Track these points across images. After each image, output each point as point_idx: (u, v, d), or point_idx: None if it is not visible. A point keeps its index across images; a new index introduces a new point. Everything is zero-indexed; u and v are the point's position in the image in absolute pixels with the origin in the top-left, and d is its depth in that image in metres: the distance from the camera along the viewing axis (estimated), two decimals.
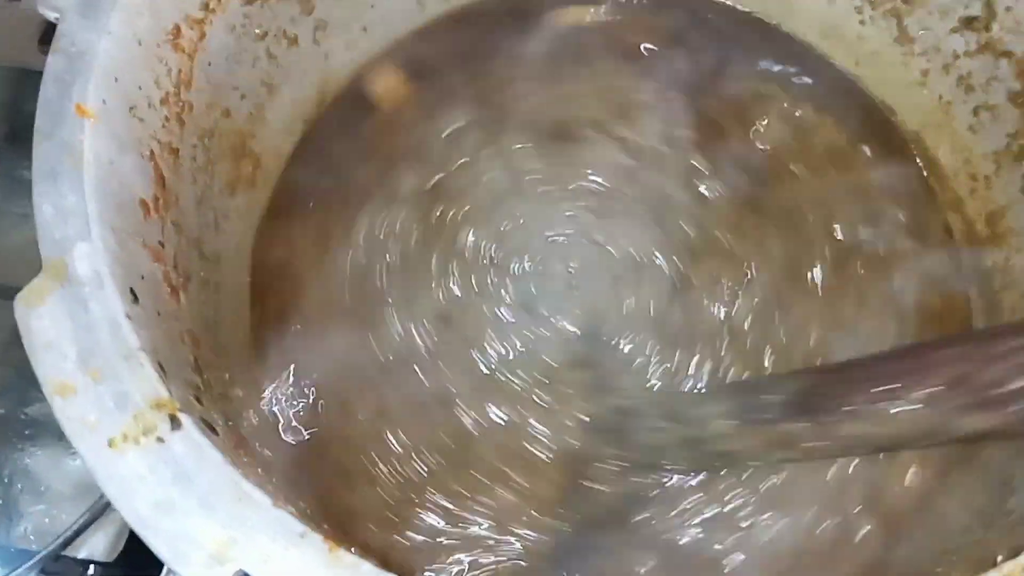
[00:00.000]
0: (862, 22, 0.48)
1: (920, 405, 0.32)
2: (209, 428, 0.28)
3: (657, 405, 0.40)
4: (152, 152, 0.35)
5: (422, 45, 0.49)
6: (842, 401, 0.34)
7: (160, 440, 0.25)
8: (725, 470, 0.39)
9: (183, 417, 0.26)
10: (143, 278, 0.31)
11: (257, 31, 0.42)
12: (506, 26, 0.49)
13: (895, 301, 0.43)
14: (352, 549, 0.23)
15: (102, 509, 0.46)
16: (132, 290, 0.29)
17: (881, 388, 0.33)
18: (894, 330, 0.42)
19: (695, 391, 0.41)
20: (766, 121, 0.47)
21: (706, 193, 0.45)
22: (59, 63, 0.31)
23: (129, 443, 0.25)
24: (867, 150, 0.48)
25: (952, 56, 0.45)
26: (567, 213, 0.44)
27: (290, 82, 0.45)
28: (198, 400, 0.30)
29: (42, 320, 0.27)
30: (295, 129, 0.47)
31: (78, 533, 0.46)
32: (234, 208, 0.43)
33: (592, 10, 0.50)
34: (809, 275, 0.44)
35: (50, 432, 0.53)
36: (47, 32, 0.63)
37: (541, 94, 0.47)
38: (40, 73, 0.60)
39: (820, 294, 0.43)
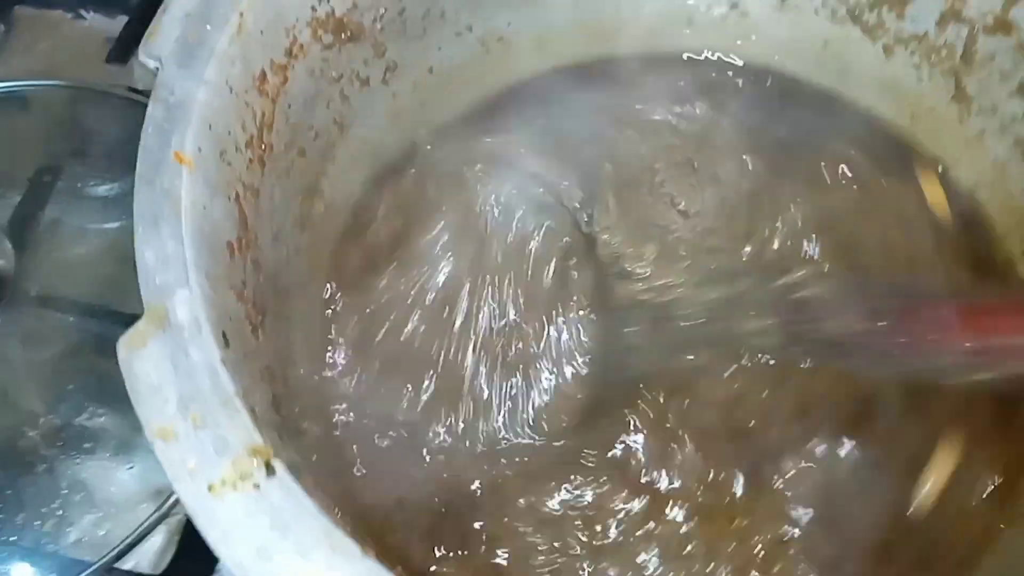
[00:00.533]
0: (920, 79, 0.49)
1: None
2: (296, 471, 0.29)
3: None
4: (237, 194, 0.36)
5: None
6: None
7: (256, 487, 0.26)
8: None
9: (276, 464, 0.27)
10: (231, 320, 0.32)
11: (333, 74, 0.43)
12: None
13: None
14: None
15: (155, 523, 0.48)
16: (224, 334, 0.31)
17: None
18: None
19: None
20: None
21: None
22: (159, 112, 0.33)
23: (228, 488, 0.26)
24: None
25: (1010, 119, 0.45)
26: None
27: (360, 122, 0.47)
28: (280, 438, 0.31)
29: (144, 364, 0.28)
30: (362, 166, 0.49)
31: (132, 546, 0.47)
32: (304, 242, 0.44)
33: None
34: None
35: (104, 443, 0.54)
36: (115, 50, 0.65)
37: None
38: (104, 92, 0.62)
39: None
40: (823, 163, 0.48)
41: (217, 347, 0.29)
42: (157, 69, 0.34)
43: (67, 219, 0.59)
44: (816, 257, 0.45)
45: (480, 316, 0.44)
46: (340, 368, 0.43)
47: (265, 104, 0.38)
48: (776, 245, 0.46)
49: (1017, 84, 0.44)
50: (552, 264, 0.45)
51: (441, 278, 0.45)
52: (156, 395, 0.28)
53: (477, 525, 0.40)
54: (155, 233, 0.30)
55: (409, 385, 0.43)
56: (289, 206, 0.42)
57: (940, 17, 0.45)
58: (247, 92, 0.37)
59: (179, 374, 0.28)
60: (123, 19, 0.67)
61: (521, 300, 0.44)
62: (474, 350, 0.43)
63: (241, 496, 0.26)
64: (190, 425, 0.27)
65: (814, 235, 0.46)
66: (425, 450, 0.42)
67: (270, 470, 0.27)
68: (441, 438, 0.42)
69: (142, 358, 0.28)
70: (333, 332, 0.44)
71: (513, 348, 0.43)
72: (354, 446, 0.42)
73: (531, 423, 0.42)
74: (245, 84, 0.37)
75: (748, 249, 0.46)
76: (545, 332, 0.43)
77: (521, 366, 0.43)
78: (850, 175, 0.48)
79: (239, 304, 0.34)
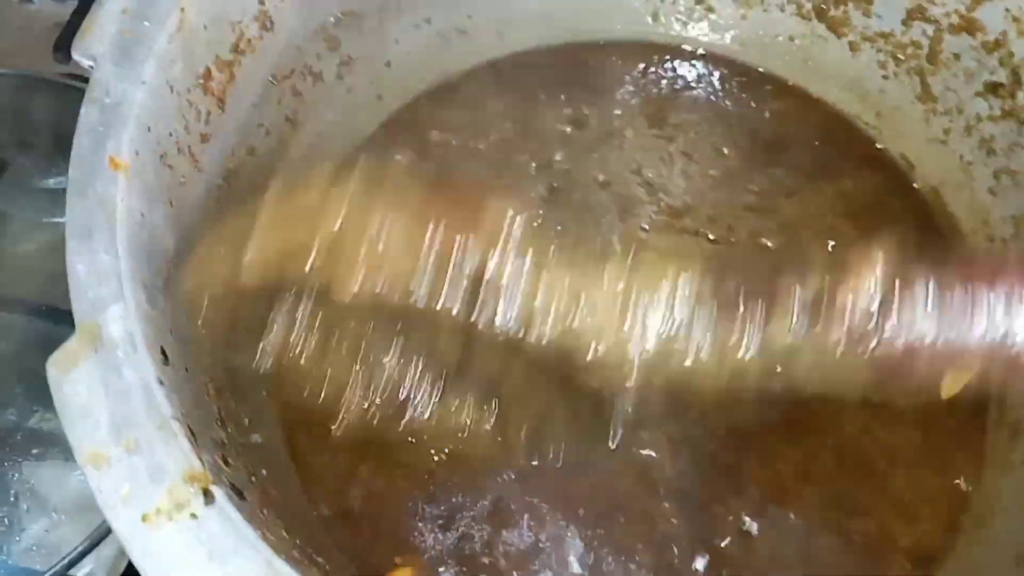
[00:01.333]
0: (885, 77, 0.48)
1: None
2: (238, 495, 0.28)
3: None
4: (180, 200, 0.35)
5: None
6: None
7: (194, 516, 0.25)
8: None
9: (215, 490, 0.26)
10: (171, 332, 0.31)
11: (283, 70, 0.42)
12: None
13: None
14: None
15: (108, 531, 0.46)
16: (163, 349, 0.29)
17: None
18: None
19: None
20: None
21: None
22: (92, 114, 0.31)
23: (163, 518, 0.25)
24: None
25: (975, 119, 0.45)
26: None
27: (314, 117, 0.45)
28: (225, 460, 0.30)
29: (76, 386, 0.27)
30: (316, 163, 0.47)
31: (84, 554, 0.46)
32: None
33: None
34: None
35: (56, 447, 0.52)
36: (62, 37, 0.62)
37: None
38: (52, 81, 0.59)
39: None
40: (787, 156, 0.48)
41: (153, 365, 0.28)
42: (92, 68, 0.32)
43: (15, 213, 0.57)
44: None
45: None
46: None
47: (211, 103, 0.37)
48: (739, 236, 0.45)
49: (982, 84, 0.43)
50: None
51: None
52: (87, 418, 0.26)
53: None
54: (88, 245, 0.29)
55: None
56: (233, 208, 0.41)
57: (906, 15, 0.44)
58: (190, 91, 0.35)
59: (112, 396, 0.27)
60: (73, 4, 0.64)
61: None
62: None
63: (177, 526, 0.25)
64: (123, 450, 0.26)
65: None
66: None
67: (208, 497, 0.26)
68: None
69: (72, 380, 0.27)
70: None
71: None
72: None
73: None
74: (188, 83, 0.35)
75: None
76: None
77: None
78: (813, 169, 0.48)
79: (185, 316, 0.33)
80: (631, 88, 0.51)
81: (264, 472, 0.36)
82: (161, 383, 0.27)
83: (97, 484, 0.25)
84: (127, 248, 0.30)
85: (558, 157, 0.48)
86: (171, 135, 0.34)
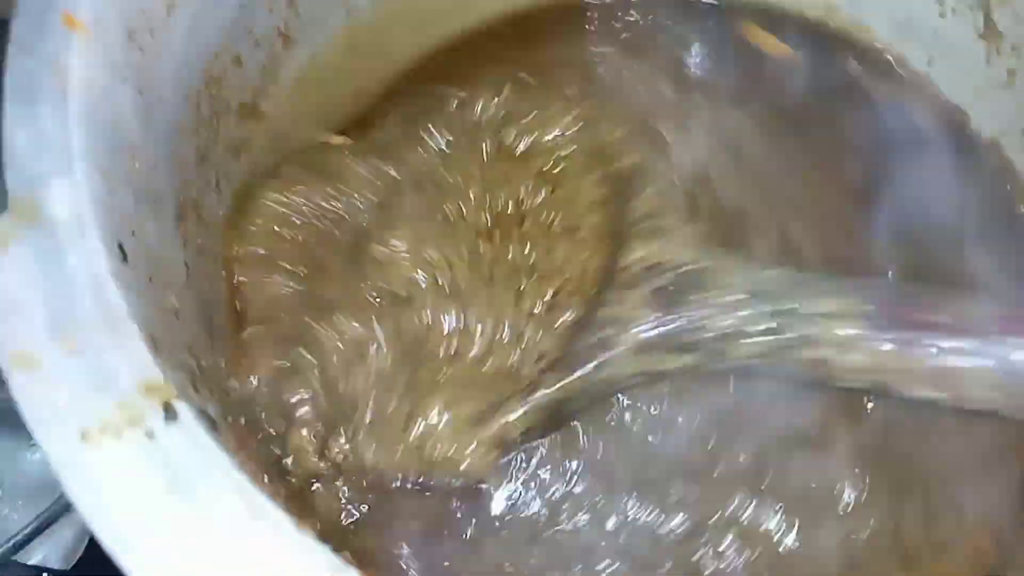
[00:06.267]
0: (942, 15, 0.44)
1: None
2: (210, 423, 0.22)
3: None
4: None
5: None
6: None
7: (150, 435, 0.19)
8: None
9: (180, 407, 0.20)
10: (134, 234, 0.25)
11: None
12: None
13: None
14: None
15: (60, 511, 0.41)
16: (121, 247, 0.23)
17: None
18: None
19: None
20: None
21: None
22: None
23: (108, 436, 0.19)
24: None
25: None
26: None
27: (310, 39, 0.40)
28: (194, 387, 0.24)
29: (4, 273, 0.21)
30: (312, 97, 0.42)
31: (31, 538, 0.40)
32: (237, 172, 0.37)
33: None
34: None
35: (6, 420, 0.47)
36: None
37: None
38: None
39: None
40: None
41: (107, 256, 0.22)
42: None
43: None
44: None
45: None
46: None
47: None
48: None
49: None
50: None
51: None
52: (17, 313, 0.20)
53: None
54: (30, 111, 0.23)
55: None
56: (219, 124, 0.35)
57: None
58: None
59: (50, 285, 0.21)
60: None
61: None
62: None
63: (127, 447, 0.19)
64: (61, 351, 0.20)
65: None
66: None
67: (170, 414, 0.20)
68: None
69: (1, 266, 0.21)
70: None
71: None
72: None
73: None
74: None
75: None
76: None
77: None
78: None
79: (154, 222, 0.27)
80: None
81: (242, 420, 0.30)
82: (115, 277, 0.22)
83: (24, 393, 0.19)
84: (82, 122, 0.24)
85: None
86: (143, 12, 0.28)
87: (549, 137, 0.40)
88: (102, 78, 0.26)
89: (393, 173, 0.39)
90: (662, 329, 0.35)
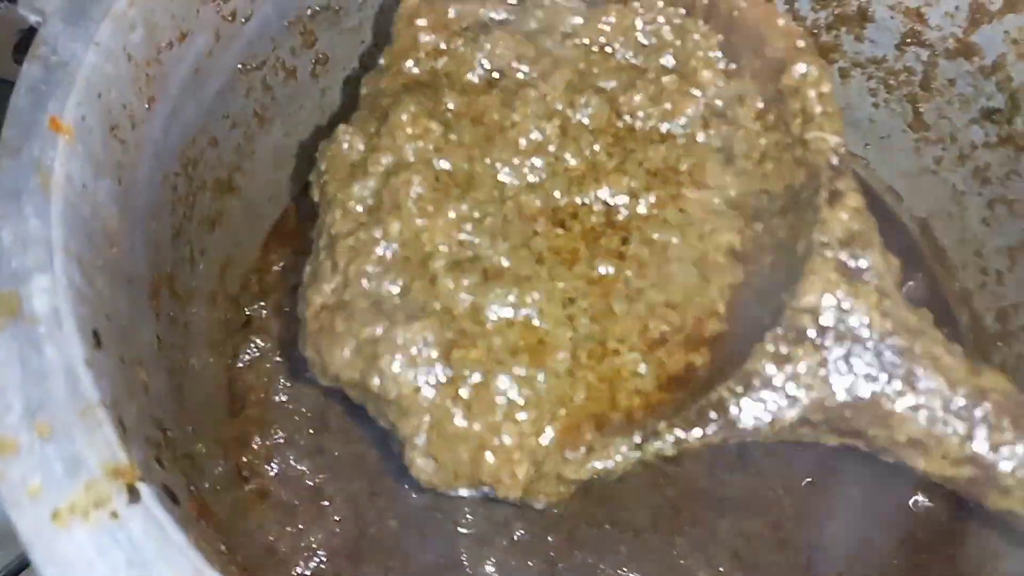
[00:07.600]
0: (876, 105, 0.47)
1: None
2: (171, 498, 0.24)
3: None
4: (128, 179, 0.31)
5: None
6: None
7: (114, 516, 0.21)
8: None
9: (143, 488, 0.22)
10: (108, 318, 0.27)
11: (255, 60, 0.39)
12: None
13: None
14: None
15: (23, 566, 0.42)
16: (96, 333, 0.26)
17: None
18: None
19: None
20: None
21: None
22: (36, 71, 0.28)
23: (77, 516, 0.21)
24: None
25: (970, 147, 0.44)
26: None
27: (284, 116, 0.43)
28: (159, 462, 0.26)
29: None
30: (286, 166, 0.44)
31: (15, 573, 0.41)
32: (212, 244, 0.40)
33: None
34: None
35: None
36: (24, 39, 0.59)
37: None
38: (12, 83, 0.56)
39: None
40: None
41: (82, 346, 0.24)
42: (38, 23, 0.29)
43: None
44: None
45: None
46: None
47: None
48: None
49: (978, 110, 0.42)
50: None
51: None
52: None
53: None
54: (15, 208, 0.26)
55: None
56: (195, 200, 0.38)
57: (901, 39, 0.43)
58: (149, 64, 0.32)
59: (28, 375, 0.23)
60: None
61: None
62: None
63: (93, 527, 0.21)
64: (36, 437, 0.22)
65: None
66: None
67: (133, 495, 0.22)
68: None
69: None
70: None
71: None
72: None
73: None
74: (147, 53, 0.32)
75: None
76: None
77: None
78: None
79: (127, 302, 0.29)
80: None
81: (206, 485, 0.32)
82: (89, 366, 0.24)
83: (1, 475, 0.21)
84: (63, 218, 0.26)
85: None
86: (124, 107, 0.31)
87: None
88: (83, 175, 0.28)
89: None
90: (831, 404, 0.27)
